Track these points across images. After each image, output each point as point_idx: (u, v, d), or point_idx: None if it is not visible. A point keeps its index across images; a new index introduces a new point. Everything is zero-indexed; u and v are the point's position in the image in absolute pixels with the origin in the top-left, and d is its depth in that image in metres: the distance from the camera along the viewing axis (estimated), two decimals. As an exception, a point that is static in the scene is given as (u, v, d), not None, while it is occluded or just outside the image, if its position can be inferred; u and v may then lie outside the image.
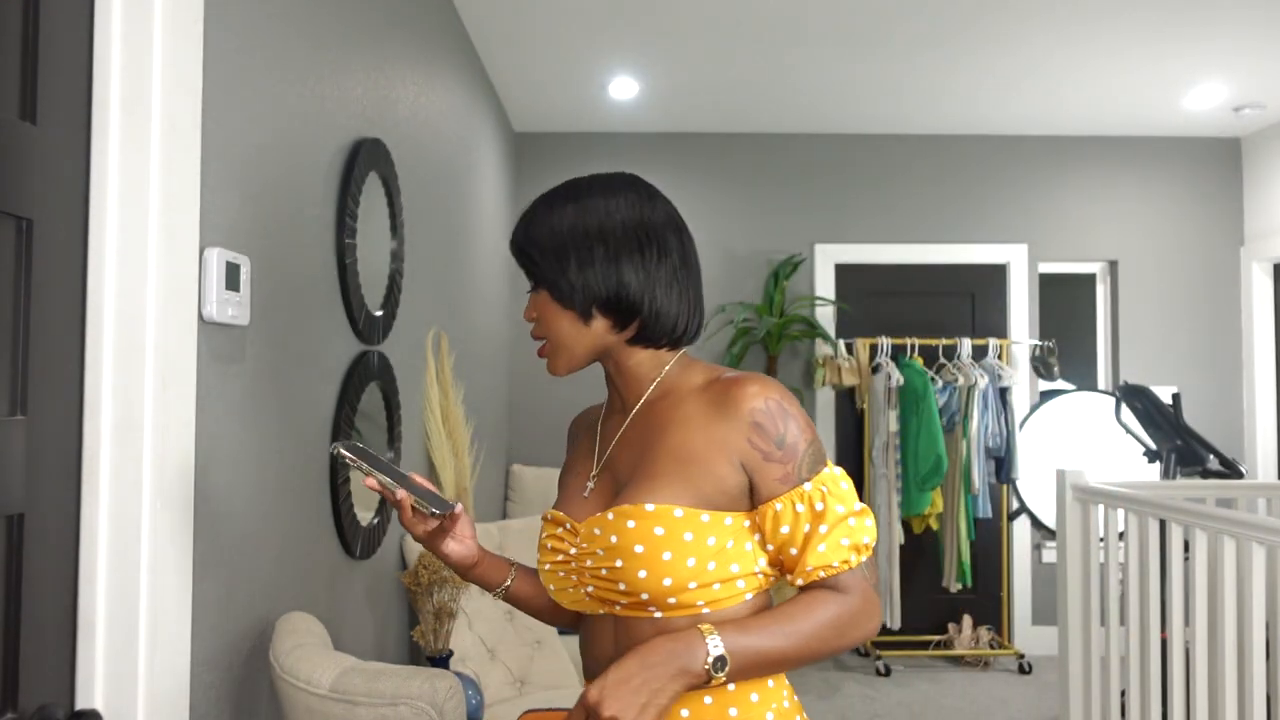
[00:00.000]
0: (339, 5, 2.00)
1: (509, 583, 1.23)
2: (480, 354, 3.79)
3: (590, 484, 1.17)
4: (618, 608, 1.09)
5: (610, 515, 1.07)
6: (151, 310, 1.21)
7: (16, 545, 1.07)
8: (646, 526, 1.04)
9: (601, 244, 1.12)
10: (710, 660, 0.99)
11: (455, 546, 1.18)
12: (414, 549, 2.53)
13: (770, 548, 1.08)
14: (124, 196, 1.20)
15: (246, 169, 1.53)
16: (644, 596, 1.05)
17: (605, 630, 1.12)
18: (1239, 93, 4.14)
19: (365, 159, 2.09)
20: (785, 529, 1.05)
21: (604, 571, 1.08)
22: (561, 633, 2.98)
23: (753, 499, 1.08)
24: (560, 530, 1.15)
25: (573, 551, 1.12)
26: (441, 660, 2.34)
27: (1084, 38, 3.51)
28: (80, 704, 1.18)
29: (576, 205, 1.14)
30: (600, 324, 1.13)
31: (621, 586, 1.06)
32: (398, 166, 2.43)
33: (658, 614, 1.06)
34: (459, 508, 1.15)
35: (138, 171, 1.21)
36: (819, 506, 1.05)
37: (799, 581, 1.07)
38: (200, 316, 1.35)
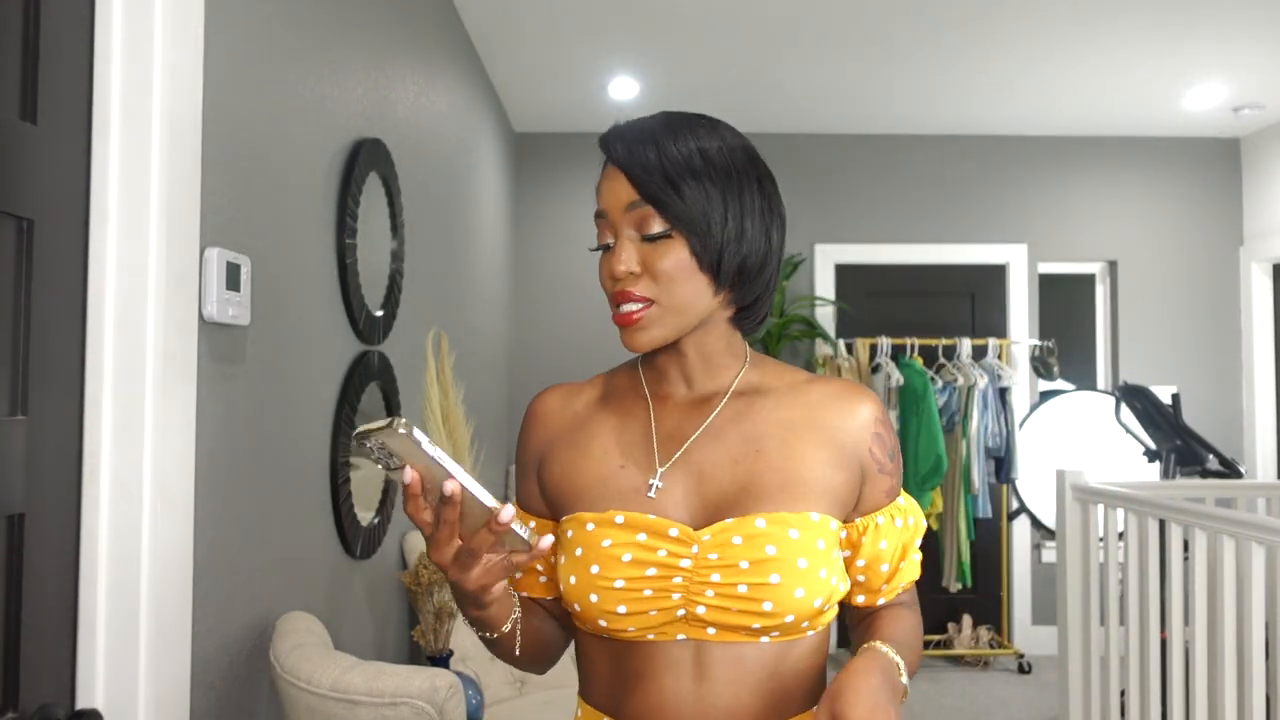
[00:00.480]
0: (339, 5, 2.00)
1: (517, 614, 0.95)
2: (480, 354, 3.79)
3: (656, 482, 0.95)
4: (711, 631, 0.91)
5: (760, 522, 0.90)
6: (151, 310, 1.21)
7: (16, 545, 1.07)
8: (810, 538, 0.90)
9: (759, 193, 0.91)
10: (905, 677, 0.88)
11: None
12: (414, 549, 2.53)
13: (861, 562, 0.99)
14: (124, 196, 1.20)
15: (246, 169, 1.53)
16: (788, 619, 0.89)
17: (680, 659, 0.93)
18: (1239, 93, 4.14)
19: (365, 159, 2.10)
20: (884, 544, 0.98)
21: (741, 588, 0.89)
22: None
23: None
24: (646, 537, 0.92)
25: (684, 564, 0.90)
26: (442, 660, 2.34)
27: (1083, 37, 3.51)
28: (80, 704, 1.18)
29: (720, 139, 0.91)
30: (724, 294, 0.93)
31: (767, 606, 0.88)
32: (398, 166, 2.43)
33: (765, 639, 0.92)
34: (548, 540, 0.83)
35: (138, 171, 1.21)
36: (911, 522, 1.01)
37: (881, 601, 1.01)
38: (200, 316, 1.35)
